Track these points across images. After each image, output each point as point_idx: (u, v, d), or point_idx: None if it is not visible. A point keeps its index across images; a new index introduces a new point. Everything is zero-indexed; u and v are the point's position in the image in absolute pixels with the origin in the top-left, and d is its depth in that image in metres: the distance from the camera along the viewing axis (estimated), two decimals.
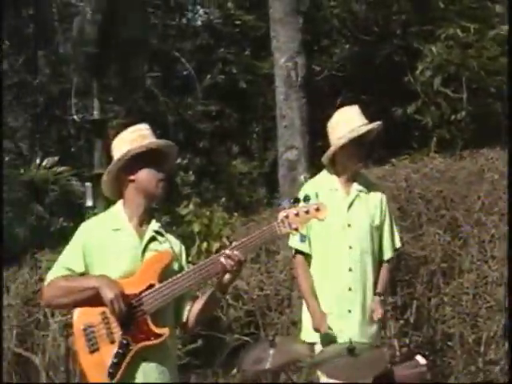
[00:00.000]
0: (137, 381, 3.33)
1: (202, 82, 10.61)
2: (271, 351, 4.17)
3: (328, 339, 4.61)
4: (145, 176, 3.39)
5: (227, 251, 3.33)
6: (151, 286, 3.31)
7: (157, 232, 3.45)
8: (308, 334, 4.72)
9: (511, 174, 5.95)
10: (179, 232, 7.10)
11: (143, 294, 3.29)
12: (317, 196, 4.19)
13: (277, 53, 8.62)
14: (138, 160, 3.37)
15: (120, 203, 3.51)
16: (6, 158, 8.61)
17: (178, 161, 8.71)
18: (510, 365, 4.70)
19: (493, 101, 10.22)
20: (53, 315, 6.11)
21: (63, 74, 10.51)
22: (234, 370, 5.74)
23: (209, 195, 9.35)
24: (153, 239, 3.44)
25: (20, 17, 11.43)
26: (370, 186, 4.79)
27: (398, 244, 4.83)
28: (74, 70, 9.51)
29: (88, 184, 7.59)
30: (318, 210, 3.40)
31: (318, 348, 4.58)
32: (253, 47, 11.19)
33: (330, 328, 4.59)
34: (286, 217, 3.36)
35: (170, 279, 3.32)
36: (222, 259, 3.30)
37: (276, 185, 8.57)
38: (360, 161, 4.65)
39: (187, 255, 3.64)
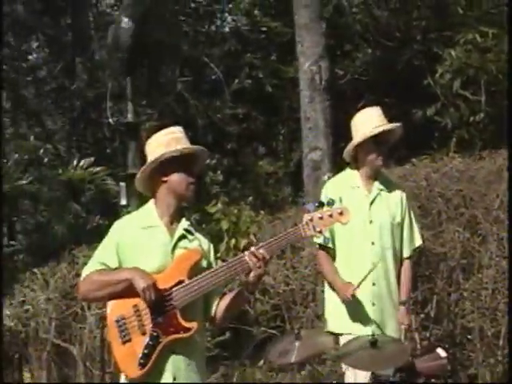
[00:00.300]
0: (166, 372, 3.33)
1: (230, 86, 10.60)
2: (297, 344, 4.15)
3: (352, 330, 4.58)
4: (176, 179, 3.41)
5: (252, 249, 3.33)
6: (181, 282, 3.31)
7: (186, 230, 3.46)
8: (333, 325, 4.70)
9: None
10: (208, 229, 7.12)
11: (173, 290, 3.30)
12: (340, 200, 4.22)
13: (301, 57, 8.58)
14: (171, 163, 3.39)
15: (152, 202, 3.52)
16: (45, 159, 8.67)
17: (207, 161, 8.71)
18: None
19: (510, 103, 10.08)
20: (89, 308, 6.13)
21: (99, 79, 10.55)
22: (261, 362, 5.73)
23: (236, 194, 9.34)
24: (182, 237, 3.45)
25: (58, 26, 11.51)
26: (390, 185, 4.79)
27: (418, 242, 4.80)
28: (109, 75, 9.54)
29: (122, 183, 7.61)
30: (341, 213, 3.41)
31: (342, 340, 4.56)
32: (278, 52, 11.16)
33: (353, 317, 4.58)
34: (311, 220, 3.36)
35: (199, 276, 3.33)
36: (247, 257, 3.30)
37: (301, 184, 8.53)
38: (378, 158, 4.63)
39: (216, 252, 3.65)
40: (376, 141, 4.58)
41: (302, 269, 5.92)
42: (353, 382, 4.53)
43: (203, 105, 10.37)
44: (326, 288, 4.77)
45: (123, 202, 7.23)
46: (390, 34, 11.03)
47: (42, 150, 8.59)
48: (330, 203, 3.41)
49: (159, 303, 3.26)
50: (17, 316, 6.06)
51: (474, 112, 10.12)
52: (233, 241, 6.66)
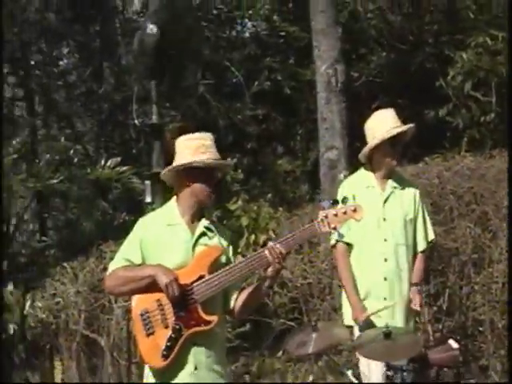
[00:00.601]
0: (188, 363, 3.33)
1: (249, 89, 10.57)
2: (314, 335, 4.15)
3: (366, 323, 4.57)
4: (199, 187, 3.44)
5: (271, 244, 3.33)
6: (202, 277, 3.33)
7: (207, 228, 3.48)
8: (348, 318, 4.68)
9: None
10: (229, 226, 7.13)
11: (194, 285, 3.32)
12: (354, 198, 4.19)
13: (318, 61, 8.54)
14: (196, 171, 3.41)
15: (174, 200, 3.55)
16: (75, 160, 8.71)
17: (228, 160, 8.72)
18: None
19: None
20: (116, 301, 6.14)
21: (125, 83, 10.57)
22: (280, 353, 5.71)
23: (256, 192, 9.32)
24: (203, 234, 3.47)
25: (88, 33, 11.55)
26: (404, 183, 4.76)
27: (431, 236, 4.78)
28: (135, 79, 9.56)
29: (147, 182, 7.60)
30: (355, 210, 3.40)
31: (357, 331, 4.54)
32: (296, 56, 11.11)
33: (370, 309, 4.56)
34: (326, 217, 3.36)
35: (219, 271, 3.34)
36: (267, 252, 3.29)
37: (317, 182, 8.50)
38: (394, 159, 4.61)
39: (236, 247, 3.66)
40: (392, 142, 4.57)
41: (319, 263, 5.89)
42: (367, 371, 4.52)
43: (224, 106, 10.35)
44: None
45: (148, 199, 7.23)
46: (404, 38, 10.95)
47: (71, 151, 8.63)
48: (345, 201, 3.40)
49: (181, 298, 3.27)
50: (48, 308, 6.09)
51: (485, 112, 10.03)
52: (252, 236, 6.65)
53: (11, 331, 6.23)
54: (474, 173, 6.61)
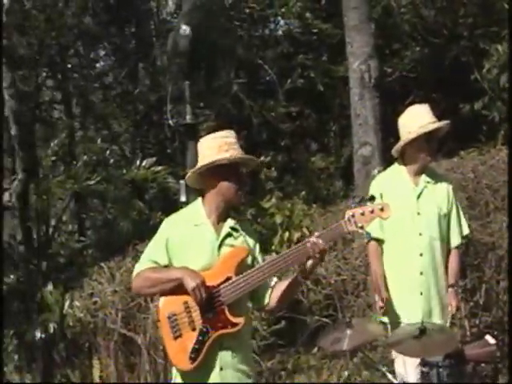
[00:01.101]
0: (214, 365, 3.33)
1: (283, 86, 10.54)
2: (348, 332, 4.12)
3: (401, 319, 4.53)
4: (225, 185, 3.41)
5: (313, 239, 3.29)
6: (228, 278, 3.32)
7: (232, 228, 3.46)
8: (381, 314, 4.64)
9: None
10: (263, 223, 7.12)
11: (221, 286, 3.31)
12: (381, 196, 4.19)
13: (351, 57, 8.50)
14: (221, 169, 3.39)
15: (200, 200, 3.53)
16: (111, 160, 8.77)
17: (262, 158, 8.70)
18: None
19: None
20: (152, 300, 6.18)
21: (160, 83, 10.64)
22: (315, 349, 5.69)
23: (290, 189, 9.30)
24: (228, 235, 3.45)
25: (123, 35, 11.64)
26: (437, 178, 4.72)
27: (465, 231, 4.72)
28: (169, 79, 9.60)
29: (182, 181, 7.60)
30: (382, 209, 3.37)
31: (392, 327, 4.50)
32: (329, 53, 11.06)
33: (402, 306, 4.52)
34: (353, 216, 3.33)
35: (246, 273, 3.32)
36: (308, 245, 3.27)
37: (351, 178, 8.45)
38: (428, 154, 4.56)
39: (270, 244, 3.65)
40: (427, 138, 4.52)
41: (352, 260, 5.86)
42: (403, 370, 4.48)
43: (258, 105, 10.34)
44: None
45: (183, 198, 7.23)
46: (437, 32, 10.83)
47: (108, 152, 8.69)
48: (372, 199, 3.37)
49: (208, 300, 3.27)
50: (86, 307, 6.15)
51: None
52: (286, 234, 6.63)
53: (51, 330, 6.31)
54: (510, 166, 6.49)
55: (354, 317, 5.46)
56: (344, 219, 3.34)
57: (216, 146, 3.39)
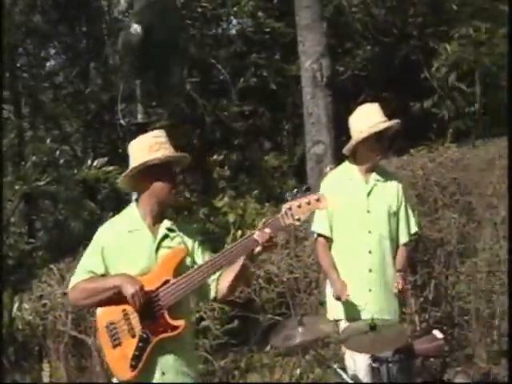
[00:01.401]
0: (155, 370, 3.29)
1: (236, 85, 10.56)
2: (299, 329, 4.13)
3: (351, 316, 4.56)
4: (158, 186, 3.36)
5: (257, 232, 3.25)
6: (167, 281, 3.26)
7: (169, 229, 3.40)
8: (333, 312, 4.67)
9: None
10: (216, 222, 7.11)
11: (160, 290, 3.25)
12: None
13: (303, 56, 8.53)
14: (153, 169, 3.33)
15: (133, 205, 3.46)
16: (62, 160, 8.65)
17: (215, 157, 8.70)
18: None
19: (504, 94, 10.01)
20: None
21: (112, 82, 10.54)
22: (268, 347, 5.70)
23: (243, 188, 9.31)
24: (165, 237, 3.39)
25: (74, 33, 11.49)
26: (387, 176, 4.74)
27: (413, 229, 4.76)
28: (121, 78, 9.52)
29: None
30: (318, 200, 3.33)
31: (343, 325, 4.53)
32: (282, 52, 11.12)
33: (352, 303, 4.56)
34: (289, 209, 3.30)
35: (184, 274, 3.26)
36: (254, 237, 3.24)
37: (304, 177, 8.49)
38: (379, 153, 4.58)
39: (223, 243, 3.61)
40: (377, 138, 4.52)
41: (305, 258, 5.88)
42: (352, 365, 4.51)
43: (211, 104, 10.33)
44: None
45: (135, 198, 7.20)
46: (388, 31, 10.98)
47: (58, 152, 8.57)
48: (307, 190, 3.34)
49: (147, 305, 3.21)
50: (35, 310, 6.05)
51: (470, 103, 10.06)
52: (239, 232, 6.63)
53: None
54: (458, 164, 6.61)
55: (307, 314, 5.49)
56: (281, 213, 3.30)
57: (146, 147, 3.33)
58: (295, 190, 3.36)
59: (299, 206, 3.29)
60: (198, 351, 5.26)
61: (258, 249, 3.28)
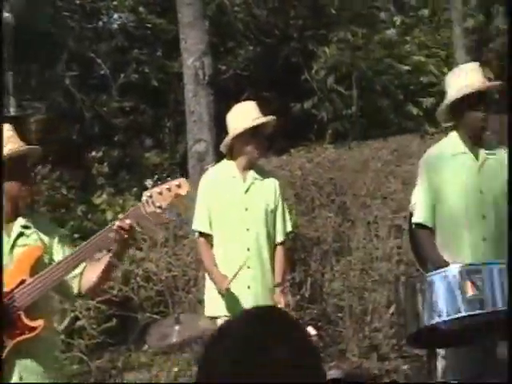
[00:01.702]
0: (13, 374, 3.18)
1: (117, 81, 10.40)
2: (176, 327, 4.13)
3: (230, 313, 4.61)
4: (8, 184, 3.25)
5: (117, 223, 3.19)
6: (23, 281, 3.15)
7: (24, 226, 3.30)
8: (211, 309, 4.71)
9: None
10: (94, 219, 6.99)
11: (16, 291, 3.13)
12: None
13: (185, 53, 8.54)
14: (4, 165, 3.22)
15: None
16: None
17: (94, 153, 8.53)
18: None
19: (379, 97, 10.43)
20: None
21: None
22: (146, 346, 5.67)
23: (124, 185, 9.19)
24: (20, 235, 3.29)
25: None
26: (265, 174, 4.82)
27: (289, 228, 4.86)
28: None
29: None
30: (179, 186, 3.27)
31: (221, 322, 4.58)
32: (164, 48, 11.05)
33: (230, 300, 4.60)
34: (150, 196, 3.23)
35: (42, 272, 3.16)
36: (114, 229, 3.17)
37: (186, 175, 8.50)
38: (254, 148, 4.64)
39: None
40: (252, 133, 4.59)
41: (184, 256, 5.89)
42: None
43: (90, 99, 10.12)
44: (206, 274, 4.78)
45: None
46: (270, 32, 11.14)
47: None
48: (168, 177, 3.32)
49: (2, 308, 3.09)
50: None
51: (347, 106, 10.39)
52: None
53: None
54: (334, 164, 6.81)
55: (185, 312, 5.50)
56: (142, 201, 3.25)
57: None
58: (156, 176, 3.33)
59: (160, 193, 3.22)
60: (72, 352, 5.16)
61: (117, 237, 3.20)
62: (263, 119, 4.63)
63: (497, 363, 4.17)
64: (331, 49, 10.11)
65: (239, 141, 4.62)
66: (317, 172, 6.63)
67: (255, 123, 4.56)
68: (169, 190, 3.22)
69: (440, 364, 4.31)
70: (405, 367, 5.59)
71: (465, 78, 4.23)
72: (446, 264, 4.03)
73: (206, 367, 1.48)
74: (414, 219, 4.26)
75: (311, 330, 4.51)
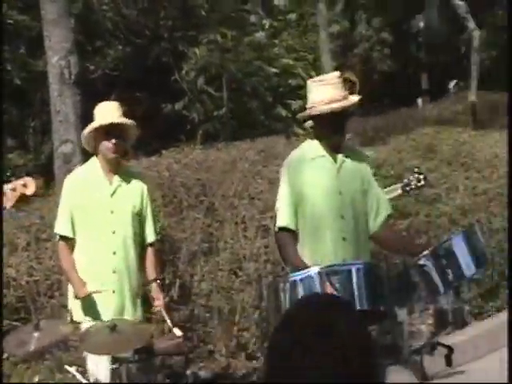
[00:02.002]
0: None
1: None
2: (36, 334, 4.01)
3: (93, 317, 4.54)
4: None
5: None
6: None
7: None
8: (74, 314, 4.61)
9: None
10: None
11: None
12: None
13: (50, 52, 8.27)
14: None
15: None
16: None
17: None
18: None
19: (249, 99, 10.56)
20: None
21: None
22: (5, 355, 5.43)
23: None
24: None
25: None
26: (132, 176, 4.79)
27: (157, 229, 4.89)
28: None
29: None
30: (25, 185, 3.26)
31: (84, 327, 4.48)
32: (27, 46, 10.68)
33: (94, 305, 4.53)
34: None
35: None
36: None
37: (52, 176, 8.24)
38: (109, 150, 4.58)
39: None
40: (106, 132, 4.56)
41: (46, 260, 5.70)
42: (95, 366, 4.48)
43: None
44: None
45: None
46: (140, 32, 11.03)
47: None
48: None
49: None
50: None
51: (218, 107, 10.45)
52: None
53: None
54: (202, 165, 6.82)
55: (48, 318, 5.32)
56: None
57: None
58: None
59: (4, 194, 3.17)
60: None
61: None
62: (119, 120, 4.60)
63: None
64: (201, 50, 10.13)
65: (96, 139, 4.60)
66: (184, 173, 6.61)
67: (107, 122, 4.53)
68: (14, 190, 3.13)
69: None
70: None
71: (324, 93, 4.27)
72: (306, 267, 4.14)
73: (278, 356, 1.53)
74: (278, 223, 4.35)
75: (177, 332, 4.50)
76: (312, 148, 4.41)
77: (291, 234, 4.31)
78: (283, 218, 4.32)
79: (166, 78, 10.56)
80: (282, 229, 4.34)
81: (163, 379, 4.70)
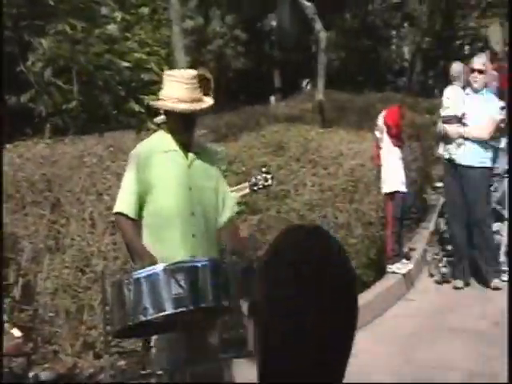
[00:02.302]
0: None
1: None
2: None
3: None
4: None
5: None
6: None
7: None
8: None
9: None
10: None
11: None
12: None
13: None
14: None
15: None
16: None
17: None
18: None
19: (100, 93, 10.33)
20: None
21: None
22: None
23: None
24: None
25: None
26: None
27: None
28: None
29: None
30: None
31: None
32: None
33: None
34: None
35: None
36: None
37: None
38: None
39: None
40: None
41: None
42: None
43: None
44: None
45: None
46: None
47: None
48: None
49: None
50: None
51: (68, 100, 10.14)
52: None
53: None
54: (48, 160, 6.61)
55: None
56: None
57: None
58: None
59: None
60: None
61: None
62: None
63: (204, 349, 4.36)
64: (48, 41, 9.77)
65: None
66: (28, 168, 6.38)
67: None
68: None
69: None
70: (121, 363, 5.58)
71: (176, 89, 4.22)
72: (151, 257, 4.11)
73: (271, 283, 1.49)
74: (115, 208, 4.30)
75: (16, 332, 4.35)
76: (164, 141, 4.39)
77: (131, 221, 4.27)
78: (122, 204, 4.28)
79: (11, 69, 10.11)
80: (120, 214, 4.30)
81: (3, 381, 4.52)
